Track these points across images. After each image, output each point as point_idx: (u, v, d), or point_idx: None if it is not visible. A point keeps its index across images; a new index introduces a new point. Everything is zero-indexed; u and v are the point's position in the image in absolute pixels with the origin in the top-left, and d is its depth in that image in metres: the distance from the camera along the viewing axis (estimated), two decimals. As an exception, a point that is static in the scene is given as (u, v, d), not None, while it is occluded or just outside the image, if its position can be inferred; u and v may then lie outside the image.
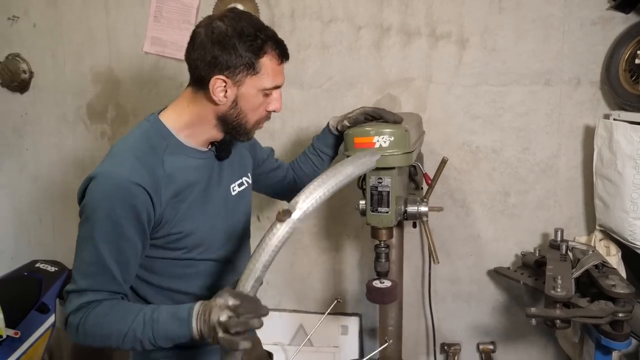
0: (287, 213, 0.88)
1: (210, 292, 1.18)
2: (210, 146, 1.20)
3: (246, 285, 0.90)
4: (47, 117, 2.33)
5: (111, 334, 0.98)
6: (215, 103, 1.09)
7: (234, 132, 1.15)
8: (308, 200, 0.89)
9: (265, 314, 0.90)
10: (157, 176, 1.05)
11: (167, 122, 1.13)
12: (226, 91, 1.08)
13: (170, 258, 1.12)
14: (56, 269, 1.95)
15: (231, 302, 0.88)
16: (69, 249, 2.34)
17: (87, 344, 1.01)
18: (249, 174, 1.35)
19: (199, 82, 1.09)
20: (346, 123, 1.41)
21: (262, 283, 0.91)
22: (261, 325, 0.89)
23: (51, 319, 1.79)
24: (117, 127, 2.26)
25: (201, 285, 1.18)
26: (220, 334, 0.87)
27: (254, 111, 1.13)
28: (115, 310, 0.99)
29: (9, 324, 1.63)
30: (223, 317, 0.87)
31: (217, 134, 1.17)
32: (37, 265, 1.95)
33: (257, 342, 1.47)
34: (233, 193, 1.25)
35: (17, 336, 1.62)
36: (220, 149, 1.21)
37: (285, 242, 0.89)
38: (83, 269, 1.01)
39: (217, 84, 1.07)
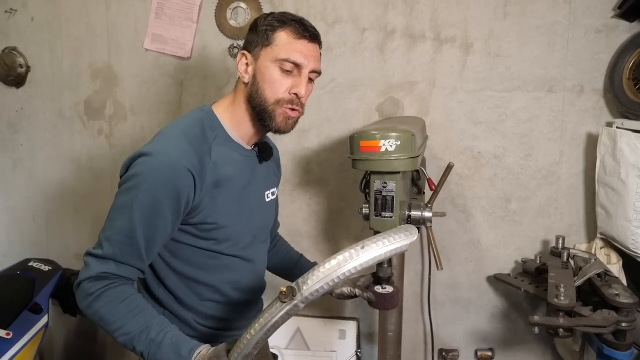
0: (291, 293, 0.81)
1: (230, 287, 1.19)
2: (254, 146, 1.22)
3: (239, 357, 0.88)
4: (44, 112, 2.29)
5: (114, 323, 0.99)
6: (245, 84, 1.13)
7: (260, 117, 1.13)
8: (317, 284, 0.80)
9: None
10: (204, 163, 1.07)
11: (218, 113, 1.16)
12: (247, 66, 1.13)
13: (197, 247, 1.13)
14: (50, 268, 1.91)
15: None
16: (63, 248, 2.34)
17: (87, 313, 1.02)
18: (277, 188, 1.38)
19: None
20: (345, 291, 1.29)
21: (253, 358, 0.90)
22: None
23: (44, 320, 1.75)
24: (115, 124, 2.22)
25: (221, 279, 1.18)
26: None
27: (271, 87, 1.10)
28: (129, 302, 1.00)
29: (0, 324, 1.59)
30: None
31: (255, 127, 1.16)
32: (30, 264, 1.91)
33: (265, 344, 1.45)
34: (267, 200, 1.28)
35: (9, 337, 1.58)
36: (262, 150, 1.23)
37: (285, 322, 0.84)
38: (111, 236, 1.01)
39: (241, 61, 1.14)
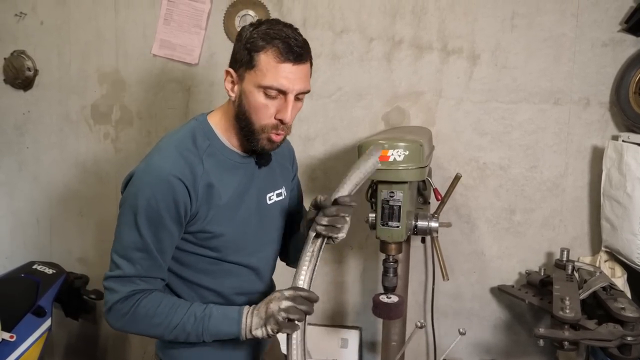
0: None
1: (234, 292, 1.19)
2: (251, 152, 1.20)
3: (302, 280, 1.05)
4: (50, 116, 2.29)
5: (160, 323, 1.05)
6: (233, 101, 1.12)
7: (248, 137, 1.12)
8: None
9: (316, 299, 1.03)
10: (196, 172, 1.07)
11: (212, 123, 1.16)
12: (234, 85, 1.10)
13: (198, 254, 1.14)
14: (54, 271, 1.91)
15: (287, 293, 1.01)
16: (66, 251, 2.34)
17: (129, 330, 1.08)
18: (287, 186, 1.33)
19: None
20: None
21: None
22: (312, 310, 1.03)
23: (47, 323, 1.74)
24: (121, 128, 2.23)
25: (227, 285, 1.18)
26: (274, 323, 1.01)
27: (256, 113, 1.07)
28: (166, 302, 1.07)
29: (4, 326, 1.59)
30: (283, 305, 1.00)
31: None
32: (34, 266, 1.91)
33: (276, 344, 1.45)
34: (269, 202, 1.24)
35: (13, 340, 1.58)
36: (260, 156, 1.20)
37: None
38: (126, 255, 1.05)
39: (226, 78, 1.11)
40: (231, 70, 1.09)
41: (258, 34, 1.05)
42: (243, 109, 1.08)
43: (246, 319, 1.05)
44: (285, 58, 1.03)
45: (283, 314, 1.00)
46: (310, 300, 1.02)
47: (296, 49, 1.04)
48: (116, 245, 1.07)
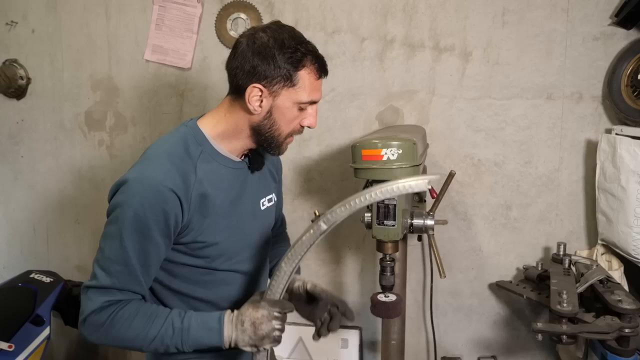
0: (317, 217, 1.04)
1: (227, 302, 1.19)
2: (243, 157, 1.20)
3: (276, 292, 1.05)
4: (44, 124, 2.29)
5: (137, 336, 1.01)
6: (250, 112, 1.09)
7: (265, 144, 1.14)
8: (336, 208, 1.03)
9: (292, 311, 1.08)
10: (189, 182, 1.06)
11: (204, 129, 1.13)
12: (262, 101, 1.08)
13: (191, 265, 1.12)
14: (51, 279, 1.90)
15: (275, 312, 1.03)
16: (63, 260, 2.33)
17: (105, 343, 1.02)
18: (276, 192, 1.35)
19: (237, 91, 1.09)
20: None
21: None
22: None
23: (46, 332, 1.73)
24: (115, 135, 2.23)
25: (219, 294, 1.17)
26: (270, 341, 1.03)
27: (288, 124, 1.11)
28: (142, 312, 1.02)
29: (2, 336, 1.59)
30: (277, 326, 1.03)
31: (250, 144, 1.16)
32: (31, 275, 1.90)
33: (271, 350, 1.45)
34: (262, 208, 1.25)
35: (11, 350, 1.57)
36: (253, 160, 1.21)
37: (312, 242, 1.05)
38: (106, 266, 1.01)
39: (254, 93, 1.07)
40: (261, 86, 1.06)
41: (289, 51, 1.05)
42: (272, 121, 1.10)
43: (228, 331, 1.02)
44: (320, 75, 1.11)
45: (277, 333, 1.03)
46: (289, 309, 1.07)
47: (325, 63, 1.12)
48: (98, 255, 1.03)
